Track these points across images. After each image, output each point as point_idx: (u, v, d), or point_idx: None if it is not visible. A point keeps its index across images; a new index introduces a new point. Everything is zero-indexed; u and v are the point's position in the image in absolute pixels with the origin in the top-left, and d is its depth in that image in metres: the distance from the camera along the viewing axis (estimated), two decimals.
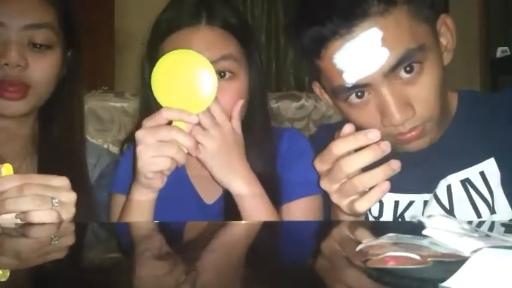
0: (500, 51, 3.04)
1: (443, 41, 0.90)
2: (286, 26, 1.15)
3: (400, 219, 0.95)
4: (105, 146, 1.31)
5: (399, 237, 0.56)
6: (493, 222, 0.81)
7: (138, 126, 0.86)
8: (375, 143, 0.75)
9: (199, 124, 0.86)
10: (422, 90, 0.84)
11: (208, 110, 0.87)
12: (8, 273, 0.51)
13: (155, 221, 0.91)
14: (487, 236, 0.55)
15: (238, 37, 0.98)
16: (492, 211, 0.89)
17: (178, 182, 1.00)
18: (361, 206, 0.76)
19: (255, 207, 0.92)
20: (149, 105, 0.97)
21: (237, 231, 0.77)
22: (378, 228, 0.82)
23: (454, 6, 3.07)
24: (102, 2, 3.24)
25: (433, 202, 0.92)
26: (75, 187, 0.77)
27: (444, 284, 0.42)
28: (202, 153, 0.87)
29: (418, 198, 0.94)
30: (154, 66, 0.85)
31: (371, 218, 0.96)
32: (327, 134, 0.88)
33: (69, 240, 0.73)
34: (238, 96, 0.96)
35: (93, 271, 0.54)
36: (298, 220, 0.97)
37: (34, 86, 0.98)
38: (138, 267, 0.56)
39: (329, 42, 0.84)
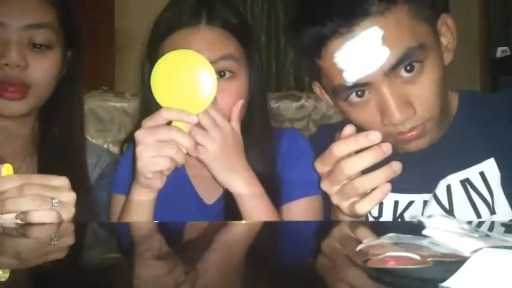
0: (500, 51, 3.04)
1: (443, 40, 0.90)
2: (286, 26, 1.15)
3: (399, 219, 0.94)
4: (105, 146, 1.31)
5: (399, 237, 0.56)
6: (492, 222, 0.81)
7: (137, 126, 0.86)
8: (376, 144, 0.74)
9: (199, 125, 0.86)
10: (423, 89, 0.84)
11: (208, 112, 0.86)
12: (8, 273, 0.51)
13: (155, 221, 0.91)
14: (487, 236, 0.55)
15: (238, 37, 0.98)
16: (492, 211, 0.89)
17: (178, 182, 1.00)
18: (362, 208, 0.76)
19: (255, 207, 0.92)
20: (149, 105, 0.97)
21: (237, 231, 0.77)
22: (378, 228, 0.82)
23: (454, 6, 3.06)
24: (102, 2, 3.24)
25: (433, 202, 0.92)
26: (75, 187, 0.77)
27: (444, 284, 0.42)
28: (203, 154, 0.87)
29: (418, 198, 0.94)
30: (154, 66, 0.85)
31: (371, 218, 0.96)
32: (327, 134, 0.88)
33: (69, 240, 0.73)
34: (238, 96, 0.96)
35: (93, 271, 0.54)
36: (298, 220, 0.97)
37: (34, 86, 0.98)
38: (138, 267, 0.56)
39: (329, 41, 0.84)
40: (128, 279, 0.50)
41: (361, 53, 0.82)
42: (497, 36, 3.35)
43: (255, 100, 1.02)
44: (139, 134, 0.83)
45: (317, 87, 1.00)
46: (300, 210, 0.98)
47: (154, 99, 0.86)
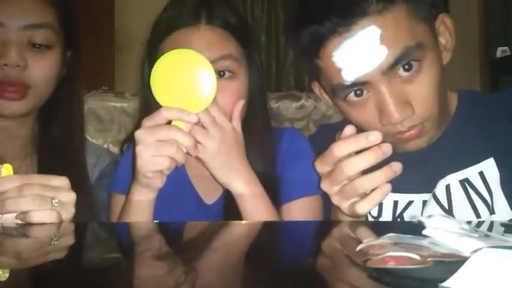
0: (500, 51, 3.04)
1: (442, 40, 0.90)
2: (286, 26, 1.15)
3: (399, 219, 0.95)
4: (105, 146, 1.31)
5: (399, 237, 0.56)
6: (492, 222, 0.81)
7: (137, 126, 0.86)
8: (376, 145, 0.74)
9: (199, 124, 0.86)
10: (421, 88, 0.84)
11: (210, 110, 0.87)
12: (8, 273, 0.51)
13: (155, 221, 0.91)
14: (487, 236, 0.55)
15: (238, 37, 0.98)
16: (491, 211, 0.89)
17: (178, 182, 1.00)
18: (362, 208, 0.76)
19: (255, 207, 0.92)
20: (149, 105, 0.97)
21: (237, 231, 0.77)
22: (378, 228, 0.81)
23: (454, 6, 3.07)
24: (102, 2, 3.24)
25: (432, 202, 0.92)
26: (74, 187, 0.77)
27: (444, 284, 0.42)
28: (203, 153, 0.87)
29: (417, 198, 0.94)
30: (154, 65, 0.85)
31: (370, 218, 0.96)
32: (327, 134, 0.88)
33: (69, 240, 0.73)
34: (237, 96, 0.96)
35: (93, 271, 0.54)
36: (298, 220, 0.97)
37: (34, 86, 0.98)
38: (138, 267, 0.56)
39: (328, 40, 0.84)
40: (128, 279, 0.50)
41: (360, 52, 0.83)
42: (497, 36, 3.35)
43: (255, 100, 1.02)
44: (139, 134, 0.83)
45: (316, 87, 1.00)
46: (300, 210, 0.98)
47: (154, 98, 0.86)
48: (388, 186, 0.75)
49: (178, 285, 0.47)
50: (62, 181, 0.76)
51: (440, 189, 0.91)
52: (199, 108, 0.85)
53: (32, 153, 1.05)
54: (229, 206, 0.95)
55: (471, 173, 0.91)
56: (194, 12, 0.96)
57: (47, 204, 0.73)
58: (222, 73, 0.94)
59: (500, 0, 3.40)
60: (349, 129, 0.79)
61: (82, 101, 1.11)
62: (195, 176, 1.05)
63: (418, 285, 0.46)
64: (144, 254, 0.62)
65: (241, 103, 0.94)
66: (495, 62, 3.10)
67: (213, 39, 0.95)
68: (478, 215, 0.90)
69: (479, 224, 0.77)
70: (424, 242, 0.53)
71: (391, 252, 0.50)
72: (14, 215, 0.74)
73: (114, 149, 1.30)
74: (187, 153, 0.85)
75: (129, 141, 1.08)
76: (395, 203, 0.95)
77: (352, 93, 0.87)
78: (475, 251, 0.47)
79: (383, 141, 0.75)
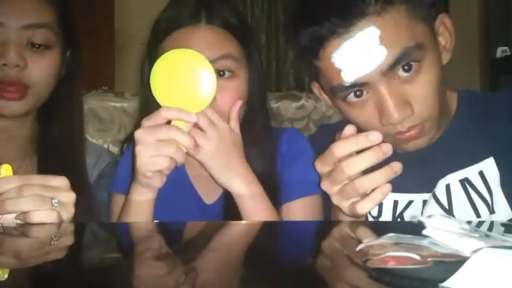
0: (500, 51, 3.04)
1: (441, 40, 0.90)
2: (285, 26, 1.15)
3: (399, 219, 0.94)
4: (105, 146, 1.31)
5: (399, 237, 0.56)
6: (492, 222, 0.81)
7: (137, 125, 0.86)
8: (376, 145, 0.74)
9: (196, 125, 0.86)
10: (421, 89, 0.84)
11: (205, 111, 0.86)
12: (8, 273, 0.51)
13: (155, 221, 0.91)
14: (487, 236, 0.55)
15: (238, 37, 0.98)
16: (491, 211, 0.89)
17: (178, 181, 1.00)
18: (362, 208, 0.76)
19: (255, 207, 0.92)
20: (149, 105, 0.97)
21: (237, 231, 0.77)
22: (378, 228, 0.82)
23: (454, 6, 3.07)
24: (102, 2, 3.24)
25: (432, 202, 0.92)
26: (74, 187, 0.77)
27: (444, 284, 0.42)
28: (200, 154, 0.87)
29: (417, 197, 0.94)
30: (154, 65, 0.85)
31: (370, 218, 0.96)
32: (326, 134, 0.88)
33: (69, 240, 0.73)
34: (237, 95, 0.96)
35: (93, 271, 0.53)
36: (298, 220, 0.97)
37: (33, 86, 0.98)
38: (137, 267, 0.56)
39: (327, 41, 0.84)
40: (128, 279, 0.50)
41: (359, 53, 0.83)
42: (497, 36, 3.35)
43: (254, 100, 1.02)
44: (139, 134, 0.83)
45: (316, 88, 1.00)
46: (300, 210, 0.98)
47: (154, 98, 0.86)
48: (388, 186, 0.75)
49: (178, 285, 0.47)
50: (62, 181, 0.76)
51: (440, 189, 0.91)
52: (199, 108, 0.85)
53: (31, 153, 1.04)
54: (229, 206, 0.95)
55: (471, 172, 0.91)
56: (194, 12, 0.96)
57: (46, 205, 0.73)
58: (221, 73, 0.94)
59: (500, 0, 3.41)
60: (349, 129, 0.79)
61: (82, 101, 1.11)
62: (195, 176, 1.04)
63: (418, 285, 0.46)
64: (144, 254, 0.62)
65: (239, 104, 0.94)
66: (495, 62, 3.10)
67: (213, 39, 0.95)
68: (478, 215, 0.90)
69: (479, 224, 0.77)
70: (424, 242, 0.53)
71: (391, 252, 0.50)
72: (14, 215, 0.74)
73: (114, 149, 1.30)
74: (187, 153, 0.85)
75: (129, 141, 1.08)
76: (396, 202, 0.95)
77: (352, 94, 0.87)
78: (475, 251, 0.47)
79: (383, 141, 0.75)
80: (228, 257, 0.59)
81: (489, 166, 0.90)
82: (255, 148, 0.98)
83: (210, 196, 1.04)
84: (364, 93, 0.86)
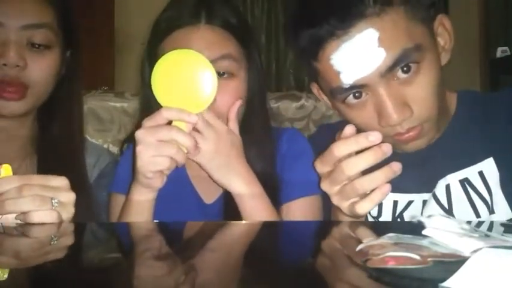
0: (500, 51, 3.04)
1: (440, 41, 0.90)
2: (285, 27, 1.15)
3: (399, 219, 0.95)
4: (105, 146, 1.31)
5: (399, 237, 0.56)
6: (492, 222, 0.81)
7: (138, 126, 0.86)
8: (376, 145, 0.74)
9: (195, 128, 0.86)
10: (420, 90, 0.84)
11: (202, 114, 0.86)
12: (8, 273, 0.51)
13: (155, 221, 0.91)
14: (487, 236, 0.55)
15: (238, 37, 0.98)
16: (491, 211, 0.89)
17: (178, 181, 1.00)
18: (362, 208, 0.76)
19: (255, 207, 0.92)
20: (149, 105, 0.97)
21: (237, 231, 0.77)
22: (378, 228, 0.82)
23: (454, 6, 3.07)
24: (102, 2, 3.24)
25: (432, 202, 0.92)
26: (74, 187, 0.77)
27: (444, 284, 0.42)
28: (199, 155, 0.87)
29: (417, 198, 0.94)
30: (154, 66, 0.85)
31: (370, 218, 0.96)
32: (326, 134, 0.88)
33: (69, 240, 0.73)
34: (237, 95, 0.96)
35: (93, 271, 0.54)
36: (298, 220, 0.97)
37: (33, 86, 0.98)
38: (137, 267, 0.56)
39: (326, 43, 0.84)
40: (128, 279, 0.50)
41: (358, 54, 0.83)
42: (497, 36, 3.35)
43: (254, 100, 1.02)
44: (139, 134, 0.83)
45: (315, 88, 1.00)
46: (300, 210, 0.98)
47: (154, 98, 0.86)
48: (388, 187, 0.75)
49: (178, 285, 0.47)
50: (62, 181, 0.76)
51: (440, 189, 0.92)
52: (199, 108, 0.85)
53: (31, 153, 1.04)
54: (229, 206, 0.95)
55: (471, 172, 0.91)
56: (194, 12, 0.96)
57: (46, 205, 0.73)
58: (221, 73, 0.94)
59: (500, 0, 3.41)
60: (349, 129, 0.79)
61: (81, 101, 1.11)
62: (195, 176, 1.05)
63: (418, 285, 0.46)
64: (144, 254, 0.62)
65: (238, 104, 0.94)
66: (495, 62, 3.10)
67: (212, 39, 0.95)
68: (477, 215, 0.90)
69: (479, 224, 0.77)
70: (424, 242, 0.53)
71: (391, 252, 0.50)
72: (14, 215, 0.74)
73: (114, 149, 1.30)
74: (186, 156, 0.85)
75: (129, 141, 1.08)
76: (395, 202, 0.95)
77: (351, 96, 0.87)
78: (475, 251, 0.47)
79: (382, 142, 0.75)
80: (228, 257, 0.59)
81: (489, 166, 0.90)
82: (255, 148, 0.98)
83: (210, 196, 1.04)
84: (363, 94, 0.86)
